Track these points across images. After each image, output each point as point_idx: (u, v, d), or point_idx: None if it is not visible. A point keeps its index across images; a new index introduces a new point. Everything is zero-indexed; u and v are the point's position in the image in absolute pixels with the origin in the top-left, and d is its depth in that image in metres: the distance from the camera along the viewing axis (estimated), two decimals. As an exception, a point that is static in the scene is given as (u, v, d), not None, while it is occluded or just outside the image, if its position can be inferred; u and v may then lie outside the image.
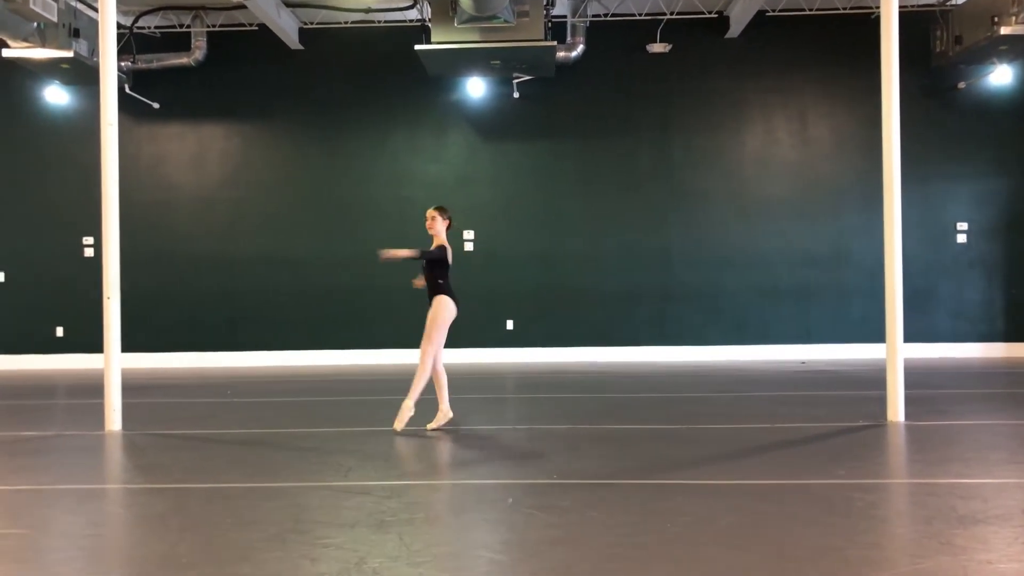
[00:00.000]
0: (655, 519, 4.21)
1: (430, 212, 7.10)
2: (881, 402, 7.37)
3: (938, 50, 12.97)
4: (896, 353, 7.16)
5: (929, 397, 8.47)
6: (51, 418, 8.42)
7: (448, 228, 7.14)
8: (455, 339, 13.18)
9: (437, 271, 6.98)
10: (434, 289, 6.96)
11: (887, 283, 7.25)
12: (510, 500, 4.56)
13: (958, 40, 12.37)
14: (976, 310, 13.42)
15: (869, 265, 12.91)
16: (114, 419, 7.23)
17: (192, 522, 4.28)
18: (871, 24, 12.52)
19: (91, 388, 10.03)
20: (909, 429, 6.74)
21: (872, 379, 9.84)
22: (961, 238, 13.42)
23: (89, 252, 13.60)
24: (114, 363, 7.28)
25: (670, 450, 6.06)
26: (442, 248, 6.98)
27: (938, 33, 12.92)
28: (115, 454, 6.35)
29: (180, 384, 11.04)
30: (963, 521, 4.06)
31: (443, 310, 6.93)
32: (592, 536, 3.93)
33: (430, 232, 7.08)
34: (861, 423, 7.01)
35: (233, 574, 3.46)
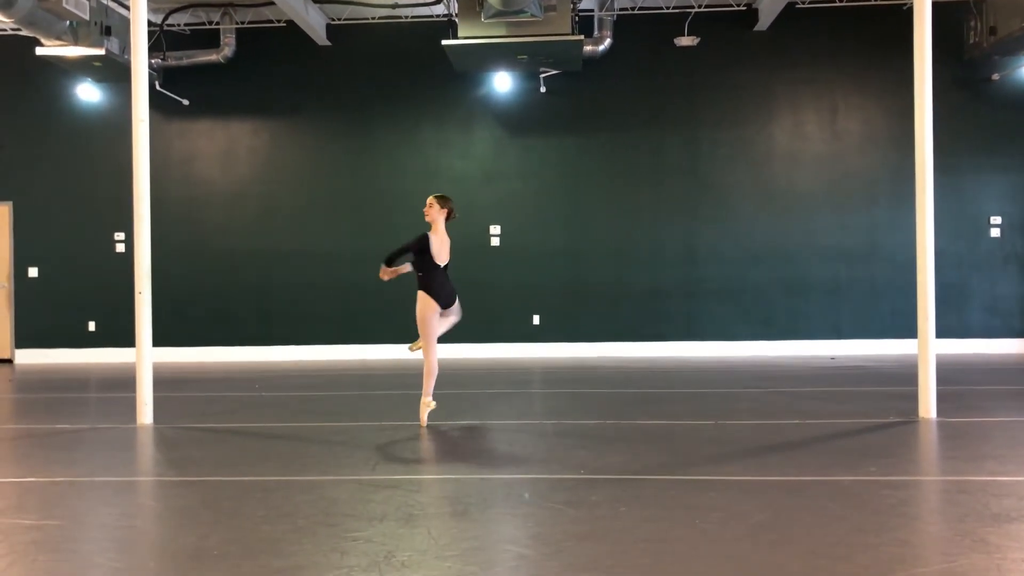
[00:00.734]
0: (685, 515, 4.19)
1: (429, 199, 6.92)
2: (912, 398, 7.29)
3: (971, 41, 12.76)
4: (928, 348, 7.07)
5: (961, 393, 8.35)
6: (84, 411, 8.55)
7: (449, 219, 6.94)
8: (482, 333, 13.36)
9: (417, 263, 6.84)
10: (417, 283, 6.87)
11: (919, 278, 7.16)
12: (526, 495, 4.55)
13: (992, 31, 12.16)
14: (1010, 305, 13.22)
15: (900, 259, 12.75)
16: (146, 413, 7.32)
17: (223, 514, 4.32)
18: (903, 15, 12.38)
19: (123, 382, 10.17)
20: (941, 425, 6.66)
21: (903, 375, 9.73)
22: (994, 232, 13.22)
23: (121, 247, 13.78)
24: (146, 357, 7.37)
25: (699, 446, 6.03)
26: (421, 238, 6.77)
27: (971, 24, 12.72)
28: (147, 447, 6.43)
29: (212, 379, 11.15)
30: (997, 519, 4.01)
31: (419, 307, 6.88)
32: (621, 531, 3.92)
33: (427, 219, 6.89)
34: (892, 419, 6.94)
35: (263, 566, 3.50)
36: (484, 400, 8.58)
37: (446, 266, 6.95)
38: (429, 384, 6.96)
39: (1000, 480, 4.83)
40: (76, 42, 11.60)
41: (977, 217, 13.22)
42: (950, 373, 9.84)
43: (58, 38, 11.45)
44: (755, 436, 6.32)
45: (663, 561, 3.51)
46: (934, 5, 7.32)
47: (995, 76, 13.13)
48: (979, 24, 12.51)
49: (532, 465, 5.47)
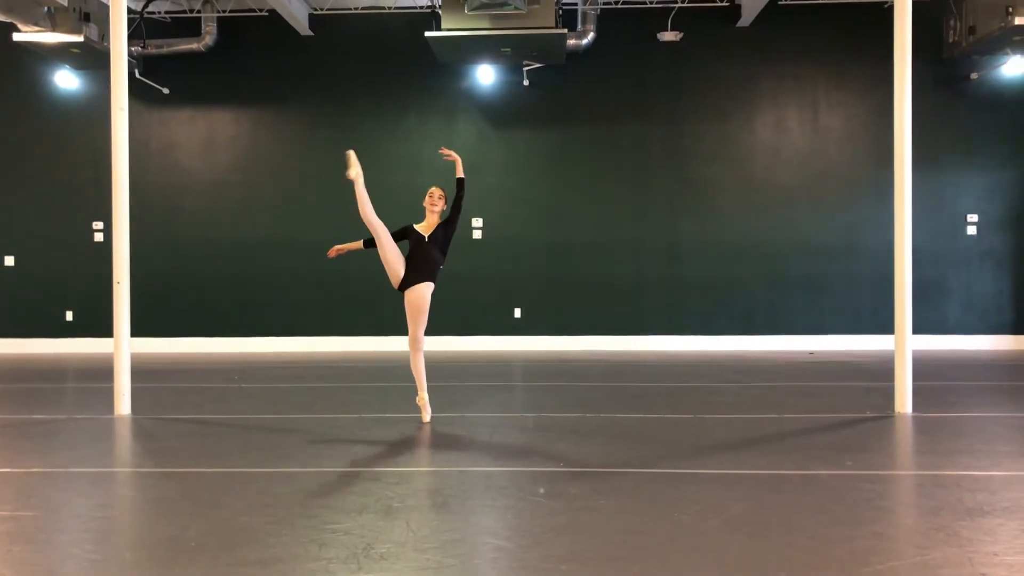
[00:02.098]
0: (664, 507, 4.22)
1: (438, 191, 6.87)
2: (889, 393, 7.36)
3: (951, 40, 12.87)
4: (904, 344, 7.14)
5: (937, 389, 8.44)
6: (61, 402, 8.47)
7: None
8: (463, 326, 13.35)
9: (445, 244, 6.77)
10: (437, 264, 6.71)
11: (896, 274, 7.22)
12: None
13: (971, 30, 12.27)
14: (986, 302, 13.37)
15: (879, 256, 12.84)
16: (124, 403, 7.27)
17: (201, 506, 4.31)
18: (884, 13, 12.44)
19: (101, 372, 10.09)
20: (917, 421, 6.73)
21: (880, 370, 9.82)
22: (971, 230, 13.35)
23: (99, 237, 13.65)
24: (124, 347, 7.32)
25: (679, 439, 6.06)
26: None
27: (951, 23, 12.82)
28: (125, 438, 6.39)
29: (191, 369, 11.08)
30: (970, 513, 4.06)
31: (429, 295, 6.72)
32: (600, 524, 3.94)
33: (433, 211, 6.79)
34: (869, 414, 7.00)
35: (242, 557, 3.49)
36: (464, 393, 8.57)
37: (430, 239, 6.77)
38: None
39: (973, 474, 4.89)
40: (54, 28, 11.47)
41: (954, 214, 13.35)
42: (926, 369, 9.94)
43: (36, 24, 11.30)
44: (733, 430, 6.36)
45: (641, 553, 3.53)
46: (914, 4, 7.34)
47: (974, 75, 13.24)
48: (958, 23, 12.62)
49: (512, 458, 5.48)
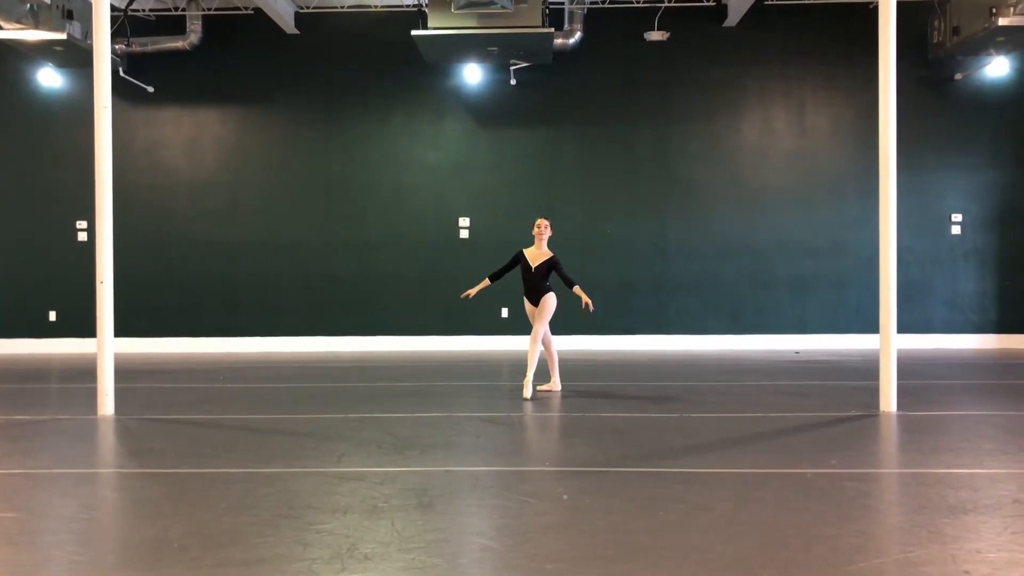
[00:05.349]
0: (650, 507, 4.22)
1: (543, 222, 8.23)
2: (874, 392, 7.39)
3: (935, 41, 12.95)
4: (889, 343, 7.18)
5: (922, 388, 8.49)
6: (44, 402, 8.41)
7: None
8: (450, 326, 13.34)
9: (548, 275, 8.11)
10: (544, 289, 8.08)
11: (881, 274, 7.25)
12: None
13: (955, 31, 12.35)
14: (970, 301, 13.46)
15: (865, 255, 12.92)
16: (107, 404, 7.22)
17: (184, 507, 4.28)
18: (869, 14, 12.51)
19: (84, 373, 10.02)
20: (901, 419, 6.77)
21: (866, 369, 9.87)
22: (956, 229, 13.44)
23: (83, 236, 13.56)
24: (107, 348, 7.27)
25: (665, 438, 6.07)
26: (554, 257, 8.10)
27: (936, 24, 12.90)
28: (108, 438, 6.34)
29: (176, 369, 11.02)
30: (953, 511, 4.08)
31: (552, 304, 8.12)
32: (586, 523, 3.94)
33: (541, 238, 8.15)
34: (854, 413, 7.03)
35: (225, 558, 3.47)
36: (451, 392, 8.56)
37: (535, 270, 8.16)
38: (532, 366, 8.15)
39: (956, 472, 4.92)
40: (37, 26, 11.37)
41: (939, 214, 13.43)
42: (911, 368, 10.00)
43: (18, 21, 11.20)
44: (719, 429, 6.38)
45: (627, 552, 3.53)
46: (899, 5, 7.38)
47: (958, 76, 13.33)
48: (943, 24, 12.69)
49: (498, 457, 5.48)
